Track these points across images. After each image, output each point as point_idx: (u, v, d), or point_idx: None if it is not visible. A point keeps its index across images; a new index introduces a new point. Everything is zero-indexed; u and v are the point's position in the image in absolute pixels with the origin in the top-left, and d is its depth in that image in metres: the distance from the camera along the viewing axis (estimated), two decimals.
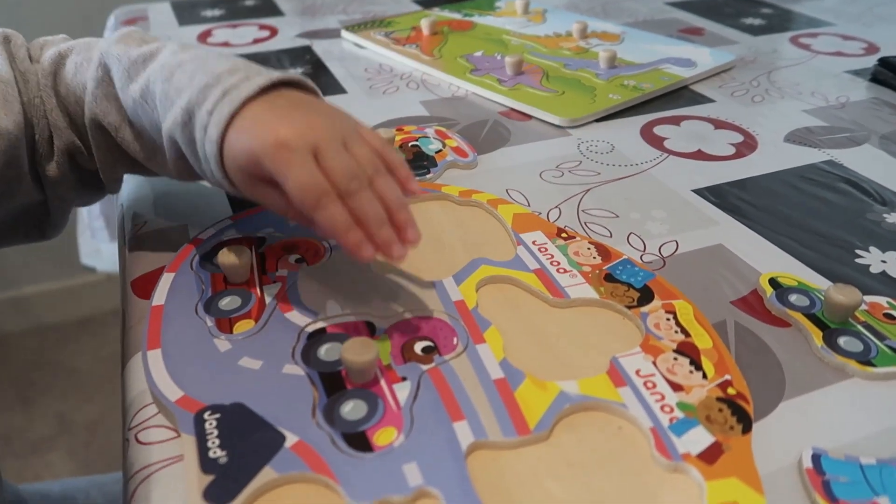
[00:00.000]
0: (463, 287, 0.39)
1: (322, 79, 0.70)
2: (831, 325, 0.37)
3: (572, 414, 0.32)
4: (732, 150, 0.57)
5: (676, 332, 0.36)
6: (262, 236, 0.43)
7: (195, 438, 0.30)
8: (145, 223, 0.46)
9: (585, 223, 0.47)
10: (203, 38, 0.83)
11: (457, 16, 0.87)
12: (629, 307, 0.38)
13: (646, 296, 0.39)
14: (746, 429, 0.31)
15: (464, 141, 0.57)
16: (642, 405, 0.32)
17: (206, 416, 0.31)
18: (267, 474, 0.29)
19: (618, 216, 0.48)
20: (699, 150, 0.57)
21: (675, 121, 0.63)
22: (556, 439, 0.31)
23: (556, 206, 0.49)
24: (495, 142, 0.58)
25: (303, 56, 0.77)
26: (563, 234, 0.44)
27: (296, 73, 0.38)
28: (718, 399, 0.32)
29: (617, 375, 0.34)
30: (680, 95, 0.68)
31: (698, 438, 0.30)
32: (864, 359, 0.35)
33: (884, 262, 0.44)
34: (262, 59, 0.75)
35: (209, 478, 0.28)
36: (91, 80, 0.40)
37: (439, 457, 0.30)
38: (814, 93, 0.69)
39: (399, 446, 0.30)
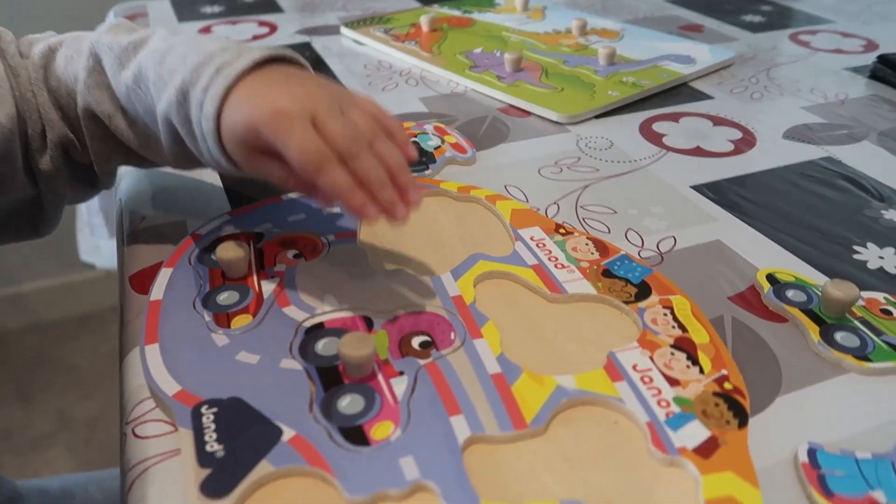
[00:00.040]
0: (461, 282, 0.39)
1: (321, 75, 0.70)
2: (828, 321, 0.37)
3: (569, 408, 0.32)
4: (731, 147, 0.57)
5: (674, 327, 0.36)
6: (260, 231, 0.43)
7: (192, 432, 0.30)
8: (144, 219, 0.46)
9: (584, 219, 0.47)
10: (203, 34, 0.83)
11: (456, 12, 0.87)
12: (627, 302, 0.38)
13: (643, 291, 0.39)
14: (743, 423, 0.31)
15: (462, 137, 0.57)
16: (639, 400, 0.32)
17: (203, 410, 0.31)
18: (264, 468, 0.29)
19: (616, 212, 0.48)
20: (698, 147, 0.57)
21: (674, 117, 0.63)
22: (552, 434, 0.31)
23: (555, 203, 0.49)
24: (494, 138, 0.58)
25: (302, 52, 0.76)
26: (561, 230, 0.44)
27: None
28: (715, 394, 0.33)
29: (614, 370, 0.34)
30: (679, 92, 0.68)
31: (694, 433, 0.30)
32: (861, 354, 0.35)
33: (881, 257, 0.44)
34: None
35: (206, 471, 0.29)
36: (82, 70, 0.40)
37: (436, 451, 0.30)
38: (813, 90, 0.69)
39: (396, 440, 0.30)
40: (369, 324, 0.36)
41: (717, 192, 0.51)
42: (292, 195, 0.47)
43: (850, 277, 0.41)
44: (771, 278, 0.41)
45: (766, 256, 0.44)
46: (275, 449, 0.29)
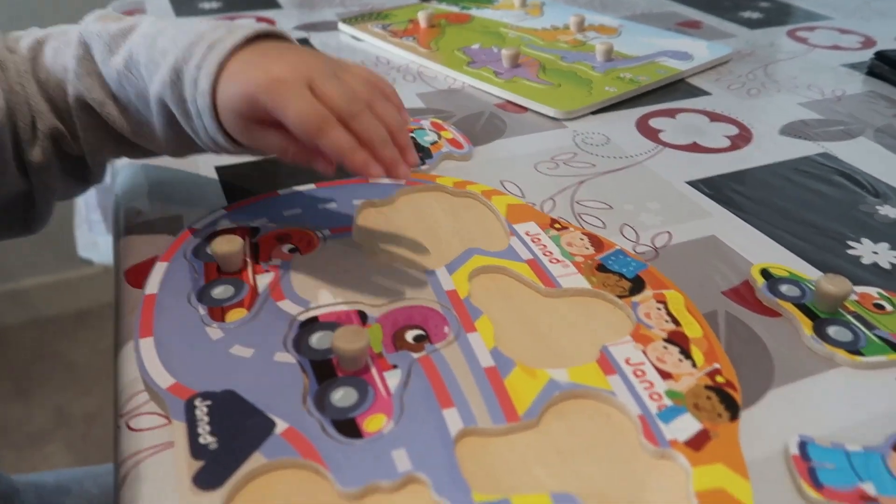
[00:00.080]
0: (455, 277, 0.40)
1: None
2: (821, 315, 0.38)
3: (562, 402, 0.32)
4: (727, 143, 0.58)
5: (667, 321, 0.37)
6: (255, 226, 0.43)
7: (186, 425, 0.30)
8: (140, 213, 0.46)
9: (579, 214, 0.47)
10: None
11: (454, 8, 0.87)
12: (621, 297, 0.38)
13: (637, 286, 0.39)
14: (734, 416, 0.31)
15: (459, 133, 0.57)
16: (631, 393, 0.32)
17: (196, 402, 0.31)
18: (256, 460, 0.29)
19: (612, 208, 0.48)
20: (694, 143, 0.57)
21: (671, 113, 0.63)
22: (545, 427, 0.31)
23: (551, 198, 0.49)
24: (491, 134, 0.58)
25: None
26: (557, 225, 0.44)
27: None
28: (707, 387, 0.33)
29: (607, 364, 0.34)
30: (676, 88, 0.68)
31: (686, 426, 0.31)
32: (853, 348, 0.35)
33: (875, 253, 0.44)
34: None
35: (199, 463, 0.29)
36: (72, 60, 0.40)
37: (428, 443, 0.30)
38: (810, 86, 0.69)
39: (388, 433, 0.30)
40: (363, 318, 0.37)
41: (712, 187, 0.51)
42: (288, 190, 0.47)
43: (843, 272, 0.41)
44: (765, 273, 0.41)
45: (761, 251, 0.44)
46: (268, 441, 0.30)
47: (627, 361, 0.34)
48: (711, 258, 0.43)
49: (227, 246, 0.39)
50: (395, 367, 0.33)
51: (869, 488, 0.28)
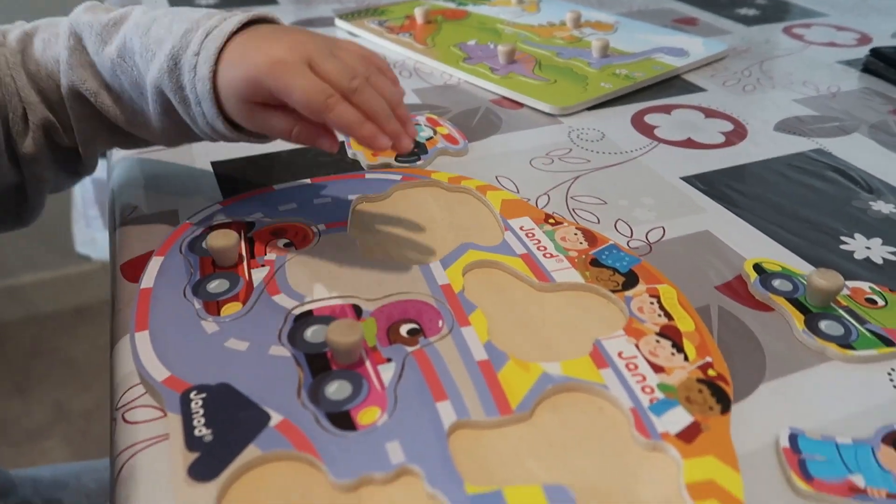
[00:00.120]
0: (450, 271, 0.40)
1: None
2: (813, 310, 0.38)
3: (555, 395, 0.33)
4: (722, 139, 0.58)
5: (660, 315, 0.37)
6: (251, 221, 0.43)
7: (181, 417, 0.31)
8: (135, 208, 0.46)
9: (573, 209, 0.47)
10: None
11: (451, 4, 0.87)
12: (614, 291, 0.38)
13: (631, 280, 0.39)
14: (725, 409, 0.32)
15: (455, 128, 0.57)
16: (623, 386, 0.32)
17: (192, 395, 0.32)
18: (251, 452, 0.29)
19: (606, 203, 0.48)
20: (689, 139, 0.58)
21: (666, 109, 0.63)
22: (538, 419, 0.32)
23: (545, 193, 0.49)
24: (486, 129, 0.58)
25: None
26: (551, 220, 0.45)
27: None
28: (699, 380, 0.33)
29: (599, 357, 0.34)
30: (672, 84, 0.68)
31: (677, 418, 0.31)
32: (845, 342, 0.36)
33: (868, 248, 0.44)
34: None
35: (194, 455, 0.29)
36: (64, 51, 0.40)
37: (422, 436, 0.30)
38: (805, 83, 0.69)
39: (382, 425, 0.30)
40: (358, 312, 0.37)
41: (707, 183, 0.51)
42: (283, 185, 0.48)
43: (836, 267, 0.42)
44: (758, 268, 0.41)
45: (755, 247, 0.44)
46: (262, 433, 0.30)
47: (620, 355, 0.34)
48: (705, 253, 0.43)
49: (223, 240, 0.39)
50: (389, 360, 0.34)
51: (858, 480, 0.29)
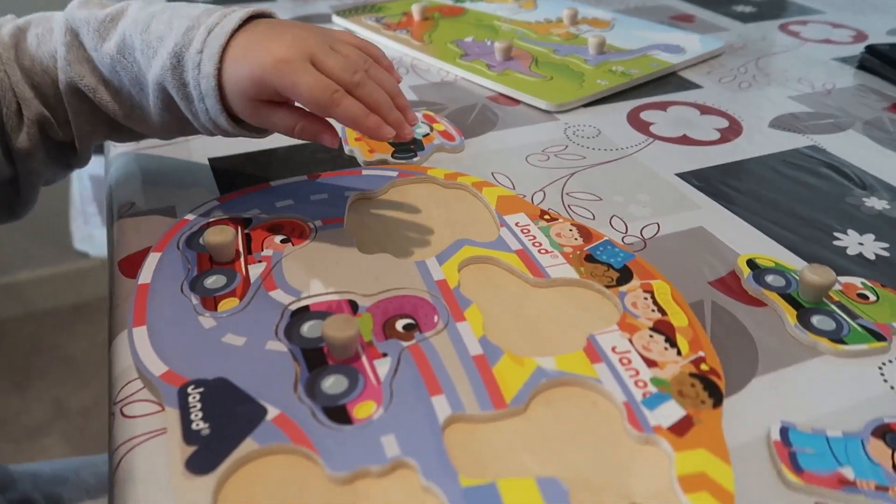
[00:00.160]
0: (446, 267, 0.40)
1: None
2: (805, 305, 0.38)
3: (549, 389, 0.33)
4: (717, 136, 0.58)
5: (653, 310, 0.37)
6: (248, 217, 0.44)
7: (179, 411, 0.31)
8: (133, 204, 0.46)
9: (569, 206, 0.47)
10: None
11: (448, 1, 0.87)
12: (608, 287, 0.39)
13: (625, 276, 0.40)
14: (717, 403, 0.32)
15: (451, 125, 0.57)
16: (617, 380, 0.33)
17: (189, 390, 0.32)
18: (248, 445, 0.29)
19: (601, 199, 0.48)
20: (684, 136, 0.58)
21: (662, 106, 0.63)
22: (532, 413, 0.32)
23: (541, 190, 0.49)
24: (483, 126, 0.58)
25: None
26: (546, 216, 0.45)
27: None
28: (691, 375, 0.33)
29: (593, 352, 0.34)
30: (668, 81, 0.69)
31: (670, 412, 0.31)
32: (836, 337, 0.36)
33: (861, 244, 0.44)
34: None
35: (192, 449, 0.29)
36: (61, 47, 0.41)
37: (417, 429, 0.30)
38: (801, 79, 0.69)
39: (378, 419, 0.31)
40: (354, 307, 0.37)
41: (702, 179, 0.51)
42: (280, 181, 0.48)
43: (829, 263, 0.42)
44: (751, 264, 0.41)
45: (748, 243, 0.44)
46: (259, 427, 0.30)
47: (614, 350, 0.35)
48: (699, 249, 0.44)
49: (220, 236, 0.39)
50: (384, 355, 0.34)
51: (848, 472, 0.29)
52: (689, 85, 0.68)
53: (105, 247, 0.52)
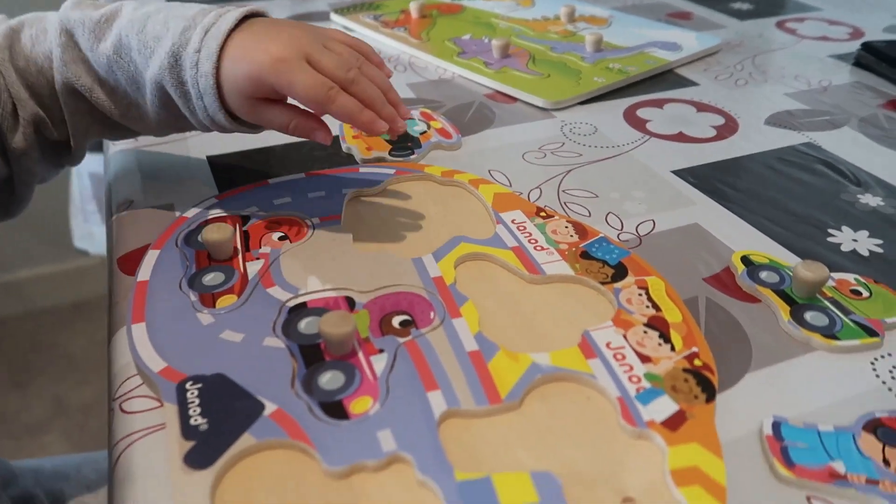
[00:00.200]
0: (442, 264, 0.40)
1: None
2: (799, 301, 0.38)
3: (544, 384, 0.33)
4: (713, 133, 0.58)
5: (648, 306, 0.37)
6: (246, 214, 0.44)
7: (177, 407, 0.31)
8: (132, 202, 0.47)
9: (565, 203, 0.48)
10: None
11: None
12: (603, 283, 0.39)
13: (620, 272, 0.40)
14: (710, 398, 0.32)
15: (449, 122, 0.57)
16: (611, 376, 0.33)
17: (188, 385, 0.32)
18: (246, 440, 0.30)
19: (597, 196, 0.49)
20: (680, 133, 0.58)
21: (659, 104, 0.63)
22: (527, 409, 0.32)
23: (538, 187, 0.49)
24: (480, 123, 0.59)
25: None
26: (542, 213, 0.45)
27: None
28: (685, 370, 0.34)
29: (588, 348, 0.35)
30: (664, 79, 0.69)
31: (663, 407, 0.31)
32: (829, 332, 0.36)
33: (855, 240, 0.45)
34: None
35: (190, 444, 0.29)
36: (56, 48, 0.41)
37: (413, 424, 0.31)
38: (797, 77, 0.70)
39: (374, 414, 0.31)
40: (351, 304, 0.37)
41: (697, 176, 0.52)
42: (278, 179, 0.48)
43: (823, 259, 0.42)
44: (745, 260, 0.42)
45: (743, 239, 0.45)
46: (257, 422, 0.30)
47: (608, 345, 0.35)
48: (694, 246, 0.44)
49: (218, 234, 0.40)
50: (381, 351, 0.34)
51: (839, 466, 0.29)
52: (686, 82, 0.68)
53: (104, 245, 0.52)
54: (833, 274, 0.41)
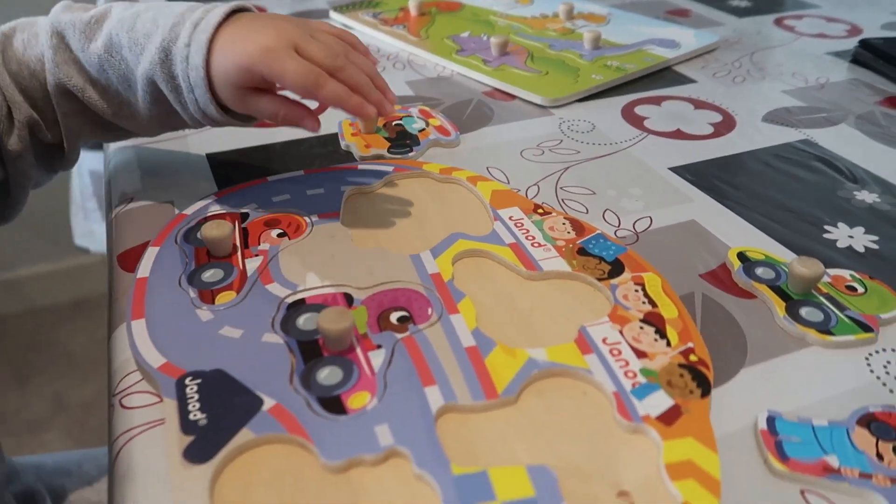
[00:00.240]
0: (440, 260, 0.41)
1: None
2: (794, 297, 0.39)
3: (540, 380, 0.34)
4: (711, 130, 0.58)
5: (644, 302, 0.38)
6: (245, 211, 0.44)
7: (177, 402, 0.31)
8: (132, 199, 0.47)
9: (563, 200, 0.48)
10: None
11: None
12: (600, 279, 0.39)
13: (616, 269, 0.40)
14: (705, 393, 0.32)
15: (447, 120, 0.58)
16: (607, 371, 0.33)
17: (187, 381, 0.32)
18: (244, 435, 0.30)
19: (595, 193, 0.49)
20: (678, 130, 0.58)
21: (656, 101, 0.64)
22: (523, 404, 0.32)
23: (535, 184, 0.50)
24: (478, 121, 0.59)
25: None
26: (540, 210, 0.45)
27: None
28: (680, 365, 0.34)
29: (584, 343, 0.35)
30: (662, 76, 0.69)
31: (658, 402, 0.32)
32: (824, 328, 0.37)
33: (850, 237, 0.45)
34: None
35: (189, 438, 0.30)
36: (48, 50, 0.42)
37: (410, 419, 0.31)
38: (794, 74, 0.70)
39: (372, 409, 0.31)
40: (349, 300, 0.38)
41: (695, 173, 0.52)
42: (277, 176, 0.48)
43: (819, 256, 0.43)
44: (742, 256, 0.42)
45: (740, 236, 0.45)
46: (256, 417, 0.31)
47: (604, 341, 0.35)
48: (691, 242, 0.44)
49: (217, 231, 0.40)
50: (379, 346, 0.34)
51: (832, 460, 0.30)
52: (684, 79, 0.68)
53: (105, 242, 0.52)
54: (828, 270, 0.41)
